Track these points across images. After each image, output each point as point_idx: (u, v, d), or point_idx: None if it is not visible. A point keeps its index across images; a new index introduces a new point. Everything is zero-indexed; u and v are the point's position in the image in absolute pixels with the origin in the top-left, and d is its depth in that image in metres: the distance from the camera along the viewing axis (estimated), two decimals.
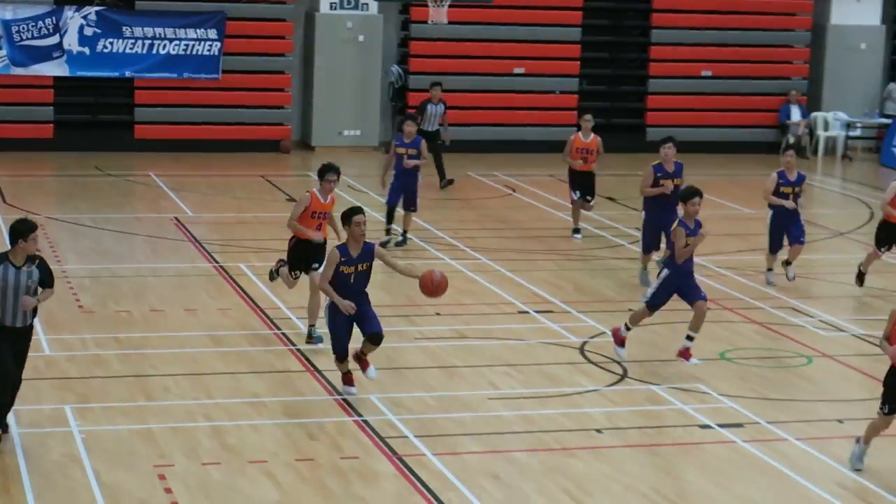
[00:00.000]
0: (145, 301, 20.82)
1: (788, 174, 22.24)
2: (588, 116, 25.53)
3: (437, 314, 20.36)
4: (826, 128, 37.16)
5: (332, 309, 15.98)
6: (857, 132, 37.96)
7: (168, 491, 13.54)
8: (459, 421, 15.80)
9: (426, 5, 31.32)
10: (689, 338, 17.85)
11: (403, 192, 23.84)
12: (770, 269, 22.60)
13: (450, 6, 31.22)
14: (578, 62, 36.30)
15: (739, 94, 37.18)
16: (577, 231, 25.88)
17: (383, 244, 22.93)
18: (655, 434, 15.63)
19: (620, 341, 18.03)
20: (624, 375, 17.80)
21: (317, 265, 17.92)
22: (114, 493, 13.42)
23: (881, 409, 14.38)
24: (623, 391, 17.28)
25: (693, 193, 17.82)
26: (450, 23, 31.92)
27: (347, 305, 15.70)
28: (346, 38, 34.84)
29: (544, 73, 35.97)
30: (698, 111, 36.65)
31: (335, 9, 34.83)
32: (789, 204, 22.06)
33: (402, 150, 23.71)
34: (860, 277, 22.35)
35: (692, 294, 17.82)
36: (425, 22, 32.37)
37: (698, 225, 17.68)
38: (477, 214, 28.23)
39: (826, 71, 38.09)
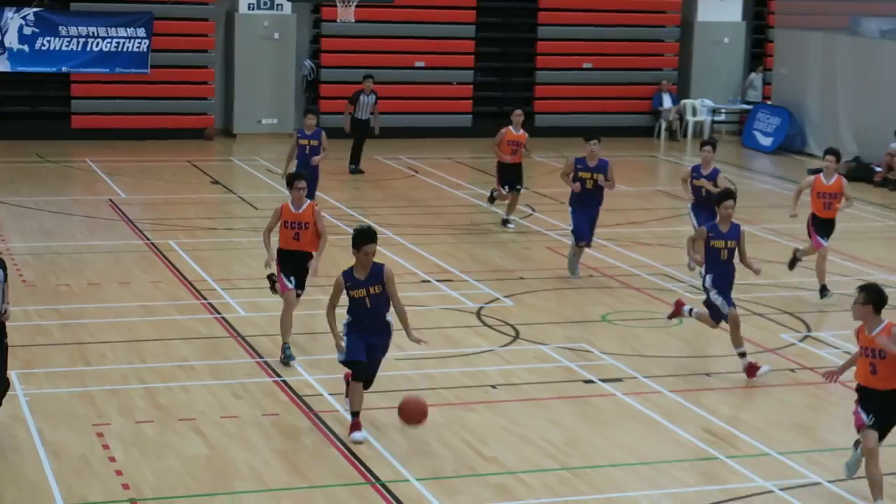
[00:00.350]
0: (83, 275, 20.66)
1: (703, 169, 20.64)
2: (518, 111, 24.52)
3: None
4: (694, 113, 37.44)
5: (349, 327, 13.91)
6: (722, 117, 38.29)
7: (106, 447, 13.49)
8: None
9: (335, 5, 31.48)
10: (742, 354, 16.26)
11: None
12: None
13: (357, 6, 31.36)
14: (473, 56, 36.36)
15: (617, 83, 37.37)
16: (508, 222, 24.79)
17: None
18: (545, 389, 15.73)
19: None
20: (516, 337, 17.88)
21: (300, 291, 16.75)
22: (56, 451, 13.34)
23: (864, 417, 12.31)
24: (516, 350, 17.35)
25: (725, 196, 16.44)
26: (357, 21, 32.00)
27: (341, 347, 13.85)
28: (263, 36, 34.72)
29: (442, 67, 35.98)
30: (580, 99, 36.79)
31: (253, 9, 34.70)
32: (707, 186, 20.27)
33: (304, 142, 23.47)
34: (792, 263, 20.74)
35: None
36: (335, 21, 32.37)
37: (734, 228, 16.23)
38: (383, 194, 28.21)
39: (694, 62, 38.39)
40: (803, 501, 12.74)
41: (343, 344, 13.81)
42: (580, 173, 20.62)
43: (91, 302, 19.20)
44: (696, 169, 20.73)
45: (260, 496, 12.57)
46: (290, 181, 16.92)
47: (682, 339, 18.25)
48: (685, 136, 37.14)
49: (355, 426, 13.83)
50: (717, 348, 17.68)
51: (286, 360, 16.33)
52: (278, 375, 15.95)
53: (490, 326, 18.38)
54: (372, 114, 30.02)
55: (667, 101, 37.14)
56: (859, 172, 31.35)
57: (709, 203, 19.44)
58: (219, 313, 18.66)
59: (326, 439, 14.03)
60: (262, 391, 15.47)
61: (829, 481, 13.28)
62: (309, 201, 16.80)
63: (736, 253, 16.30)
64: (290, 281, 16.59)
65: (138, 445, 13.61)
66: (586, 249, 21.08)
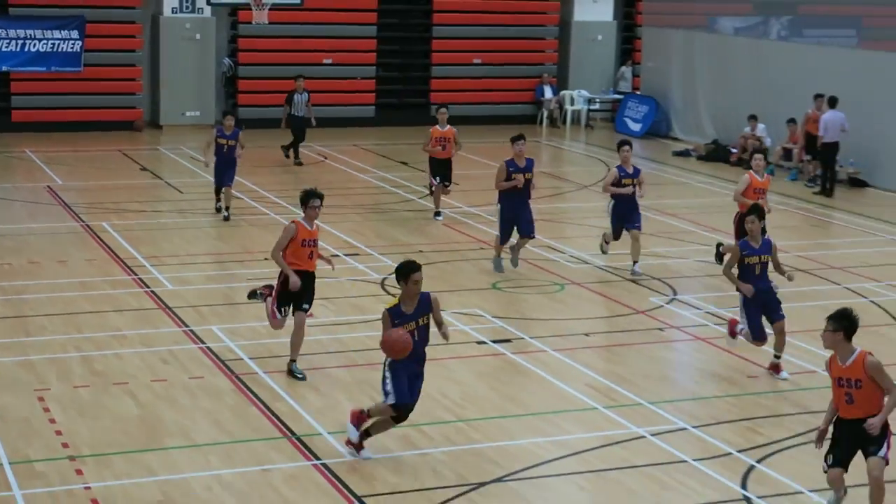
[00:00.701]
0: (24, 255, 20.32)
1: (626, 167, 19.29)
2: (443, 109, 23.61)
3: (266, 259, 20.18)
4: (572, 103, 37.53)
5: (393, 366, 12.05)
6: (597, 106, 38.39)
7: (46, 410, 13.34)
8: (285, 345, 15.71)
9: (251, 9, 31.45)
10: (777, 356, 15.10)
11: (225, 174, 22.81)
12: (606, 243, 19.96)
13: (270, 9, 31.30)
14: (375, 53, 36.22)
15: (503, 77, 37.33)
16: (437, 214, 23.60)
17: (218, 210, 22.73)
18: (442, 350, 15.67)
19: (732, 333, 15.44)
20: None
21: (306, 306, 14.58)
22: (1, 414, 13.16)
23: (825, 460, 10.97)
24: None
25: (750, 212, 14.87)
26: (270, 23, 32.05)
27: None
28: (186, 37, 34.34)
29: (348, 63, 35.79)
30: (471, 91, 36.74)
31: (176, 12, 34.30)
32: (627, 190, 19.16)
33: (223, 141, 22.79)
34: (719, 257, 19.30)
35: (772, 313, 14.93)
36: (250, 22, 32.52)
37: (766, 244, 14.83)
38: (295, 178, 27.98)
39: (571, 57, 38.49)
40: (671, 444, 12.87)
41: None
42: (513, 175, 19.29)
43: (32, 279, 18.89)
44: (621, 169, 19.35)
45: (188, 451, 12.47)
46: (306, 200, 14.56)
47: (563, 304, 18.33)
48: (564, 122, 37.26)
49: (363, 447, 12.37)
50: (594, 311, 17.80)
51: (296, 375, 14.52)
52: (203, 342, 15.82)
53: (393, 295, 18.23)
54: (307, 106, 29.68)
55: (548, 93, 37.22)
56: (717, 154, 31.73)
57: (631, 202, 19.19)
58: (148, 287, 18.44)
59: (247, 399, 13.95)
60: (188, 357, 15.33)
61: (694, 426, 13.45)
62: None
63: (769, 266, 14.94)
64: (281, 311, 14.61)
65: (76, 408, 13.46)
66: (480, 223, 21.08)
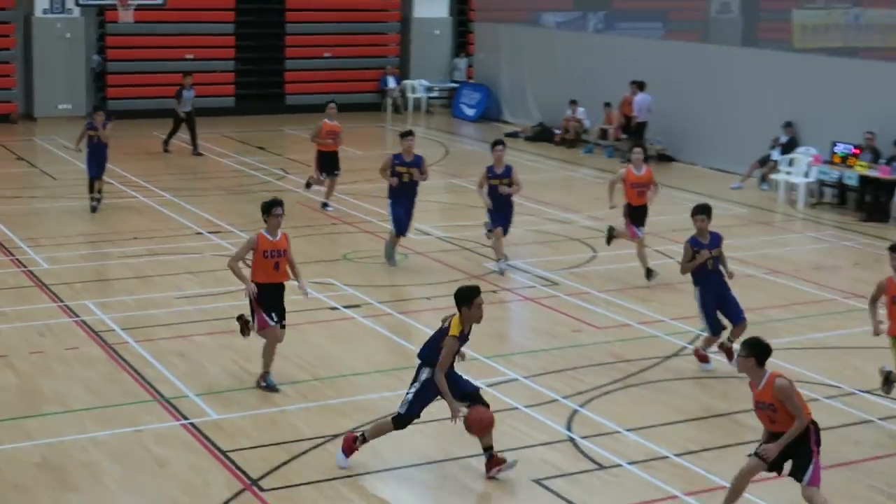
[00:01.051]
0: None
1: (497, 167, 17.71)
2: (332, 105, 22.44)
3: (135, 238, 19.88)
4: (414, 91, 37.52)
5: (426, 384, 10.83)
6: (436, 94, 38.42)
7: None
8: (154, 316, 15.46)
9: (117, 9, 30.84)
10: (730, 340, 13.77)
11: (97, 164, 21.83)
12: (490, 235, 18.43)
13: (135, 9, 30.78)
14: (233, 49, 35.77)
15: (351, 69, 37.12)
16: (326, 205, 22.32)
17: (93, 209, 21.91)
18: (298, 316, 15.58)
19: (703, 358, 13.95)
20: None
21: (277, 318, 12.80)
22: None
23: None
24: None
25: (697, 210, 13.69)
26: (136, 22, 31.60)
27: (456, 410, 10.68)
28: (57, 35, 33.45)
29: (208, 58, 35.25)
30: (321, 82, 36.43)
31: (47, 13, 33.40)
32: (503, 190, 17.65)
33: (93, 133, 22.04)
34: (609, 240, 18.40)
35: (732, 314, 13.69)
36: (117, 22, 31.94)
37: (714, 238, 13.65)
38: (164, 164, 27.52)
39: (412, 50, 38.47)
40: (505, 394, 12.97)
41: (455, 409, 10.66)
42: (397, 167, 18.09)
43: None
44: (490, 169, 17.81)
45: (64, 416, 12.20)
46: (268, 208, 12.82)
47: (407, 271, 18.32)
48: (406, 109, 37.24)
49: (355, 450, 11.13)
50: (435, 277, 17.83)
51: (269, 387, 12.92)
52: (77, 315, 15.46)
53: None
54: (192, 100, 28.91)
55: (391, 82, 37.17)
56: (543, 135, 32.01)
57: (505, 203, 17.76)
58: (25, 267, 17.95)
59: (119, 366, 13.69)
60: (63, 330, 14.97)
61: (524, 377, 13.56)
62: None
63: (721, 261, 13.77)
64: (272, 317, 12.80)
65: None
66: (333, 200, 20.86)
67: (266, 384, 12.91)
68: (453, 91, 37.83)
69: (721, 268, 13.69)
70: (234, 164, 27.55)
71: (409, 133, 18.43)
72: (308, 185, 23.23)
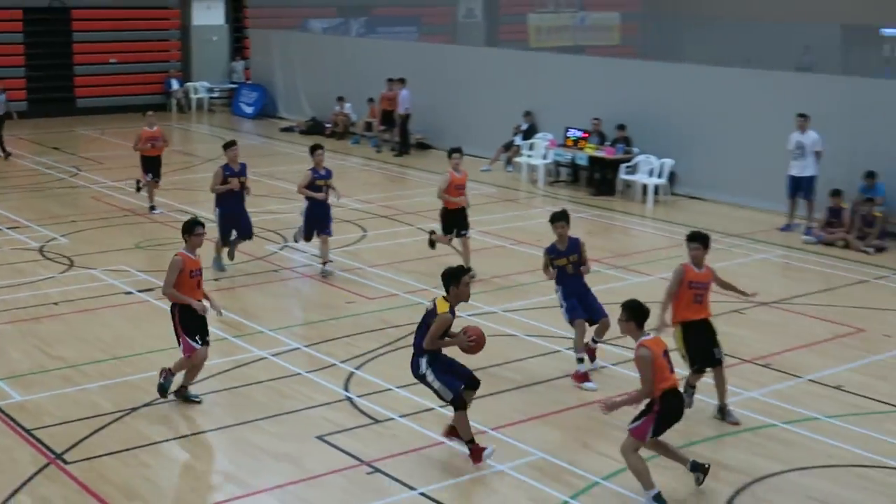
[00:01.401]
0: None
1: (319, 168, 16.40)
2: (151, 112, 21.22)
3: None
4: (196, 92, 36.71)
5: (434, 367, 10.15)
6: (216, 94, 37.67)
7: None
8: None
9: None
10: (580, 360, 12.44)
11: None
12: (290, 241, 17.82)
13: None
14: (23, 57, 34.24)
15: (137, 73, 36.07)
16: (153, 208, 20.84)
17: None
18: (95, 301, 15.14)
19: (581, 378, 12.35)
20: (71, 265, 17.05)
21: (199, 338, 11.45)
22: None
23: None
24: (71, 275, 16.50)
25: (556, 217, 12.49)
26: None
27: (464, 340, 10.09)
28: None
29: (2, 66, 33.74)
30: (109, 86, 35.34)
31: None
32: (321, 196, 16.42)
33: None
34: (432, 244, 16.95)
35: (595, 314, 12.49)
36: None
37: (573, 243, 12.41)
38: None
39: (193, 55, 37.58)
40: (288, 362, 12.87)
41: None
42: (228, 179, 16.52)
43: None
44: (314, 171, 16.42)
45: None
46: (191, 228, 11.56)
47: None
48: (190, 108, 36.43)
49: (480, 450, 10.22)
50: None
51: (164, 389, 11.58)
52: None
53: (50, 259, 17.46)
54: (6, 104, 27.23)
55: (175, 84, 36.26)
56: (315, 128, 31.84)
57: (325, 206, 16.46)
58: None
59: None
60: None
61: (305, 346, 13.49)
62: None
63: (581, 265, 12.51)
64: (196, 341, 11.46)
65: None
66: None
67: (163, 385, 11.59)
68: (232, 91, 37.22)
69: (582, 269, 12.43)
70: (30, 164, 26.37)
71: (233, 142, 16.83)
72: (138, 189, 21.62)
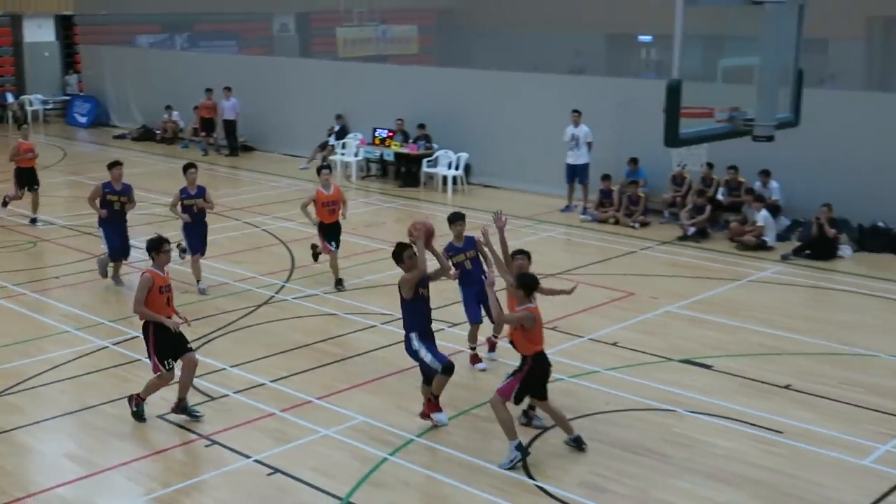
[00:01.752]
0: None
1: (190, 189, 14.76)
2: (26, 125, 19.10)
3: None
4: (31, 105, 35.04)
5: (423, 337, 9.91)
6: (51, 106, 36.08)
7: None
8: None
9: None
10: (495, 336, 12.18)
11: None
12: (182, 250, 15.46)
13: None
14: None
15: None
16: (35, 220, 19.27)
17: None
18: None
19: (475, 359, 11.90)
20: None
21: (169, 362, 10.24)
22: None
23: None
24: None
25: (454, 218, 11.70)
26: None
27: (447, 267, 10.19)
28: None
29: None
30: None
31: None
32: (185, 217, 14.75)
33: None
34: (315, 256, 15.64)
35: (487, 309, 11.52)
36: None
37: (469, 242, 11.71)
38: None
39: (26, 70, 35.89)
40: (128, 350, 12.43)
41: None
42: (109, 197, 15.03)
43: None
44: (184, 191, 14.81)
45: None
46: (158, 245, 10.34)
47: (37, 257, 17.12)
48: (26, 121, 34.70)
49: (435, 409, 10.17)
50: (63, 259, 16.77)
51: (193, 414, 10.42)
52: None
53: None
54: None
55: (10, 98, 34.66)
56: (146, 135, 30.93)
57: (200, 224, 14.90)
58: None
59: None
60: None
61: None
62: None
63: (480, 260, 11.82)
64: (164, 364, 10.22)
65: None
66: None
67: (187, 410, 10.46)
68: (66, 103, 35.68)
69: (485, 267, 11.70)
70: None
71: (117, 162, 15.20)
72: (5, 204, 19.74)
